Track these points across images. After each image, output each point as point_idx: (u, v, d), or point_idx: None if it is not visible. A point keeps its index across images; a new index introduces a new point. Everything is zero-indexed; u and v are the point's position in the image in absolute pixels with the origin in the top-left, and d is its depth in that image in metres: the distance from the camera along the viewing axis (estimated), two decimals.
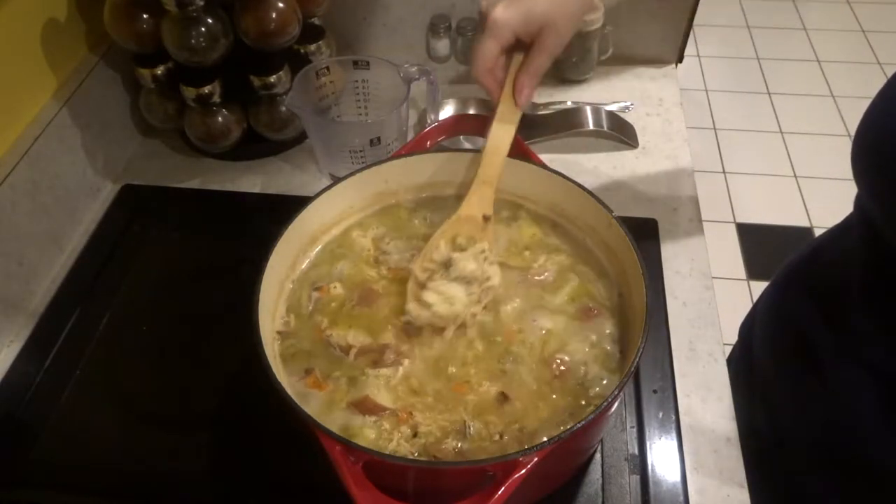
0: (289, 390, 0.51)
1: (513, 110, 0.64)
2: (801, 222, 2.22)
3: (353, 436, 0.54)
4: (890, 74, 0.57)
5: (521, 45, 0.62)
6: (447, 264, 0.61)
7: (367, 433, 0.54)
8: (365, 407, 0.56)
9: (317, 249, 0.68)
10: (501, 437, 0.54)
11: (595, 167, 0.93)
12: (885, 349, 0.60)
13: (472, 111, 0.98)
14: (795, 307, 0.73)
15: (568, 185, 0.66)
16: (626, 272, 0.61)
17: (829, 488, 0.67)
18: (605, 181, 0.91)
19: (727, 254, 2.14)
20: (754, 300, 0.87)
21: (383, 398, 0.56)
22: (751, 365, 0.79)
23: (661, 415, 0.67)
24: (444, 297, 0.59)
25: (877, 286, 0.61)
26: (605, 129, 0.95)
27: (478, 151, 0.67)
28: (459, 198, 0.72)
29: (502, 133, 0.65)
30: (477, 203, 0.65)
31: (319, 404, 0.56)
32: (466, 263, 0.61)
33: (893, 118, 0.53)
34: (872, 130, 0.56)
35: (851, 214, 0.67)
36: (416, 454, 0.53)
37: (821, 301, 0.68)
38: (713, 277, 0.80)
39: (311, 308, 0.63)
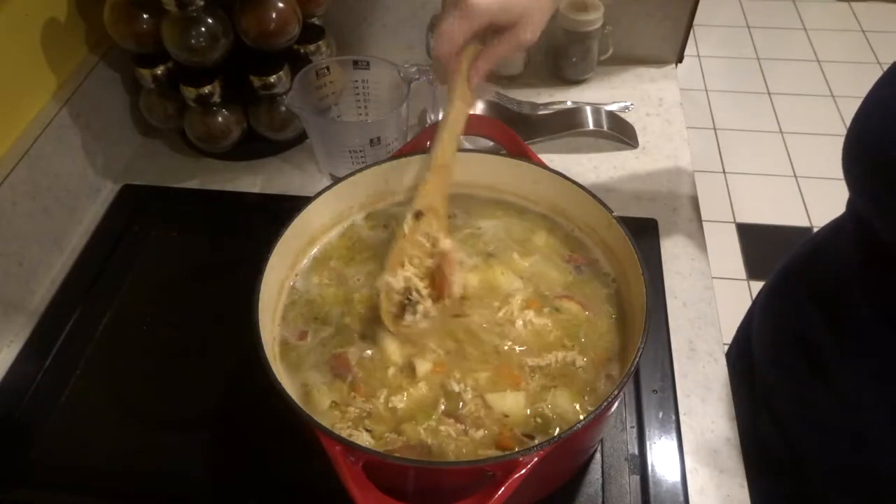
0: (288, 390, 0.52)
1: (467, 93, 0.63)
2: (801, 222, 2.22)
3: (309, 392, 0.56)
4: None
5: (487, 33, 0.61)
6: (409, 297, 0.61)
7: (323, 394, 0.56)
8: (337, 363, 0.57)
9: (316, 249, 0.68)
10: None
11: (595, 167, 0.93)
12: (889, 351, 0.59)
13: (471, 111, 0.98)
14: (795, 309, 0.72)
15: (568, 185, 0.66)
16: (626, 272, 0.61)
17: (836, 494, 0.67)
18: (605, 181, 0.91)
19: (727, 254, 2.14)
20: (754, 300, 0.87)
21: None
22: (751, 367, 0.79)
23: (661, 415, 0.67)
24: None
25: (877, 285, 0.61)
26: (605, 129, 0.95)
27: (479, 151, 0.67)
28: (460, 198, 0.72)
29: (459, 116, 0.64)
30: (435, 189, 0.63)
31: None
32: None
33: (883, 121, 0.53)
34: (863, 135, 0.56)
35: (844, 213, 0.67)
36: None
37: (821, 302, 0.68)
38: (713, 277, 0.80)
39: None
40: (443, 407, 0.56)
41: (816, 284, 0.71)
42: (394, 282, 0.60)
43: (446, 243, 0.62)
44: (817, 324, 0.67)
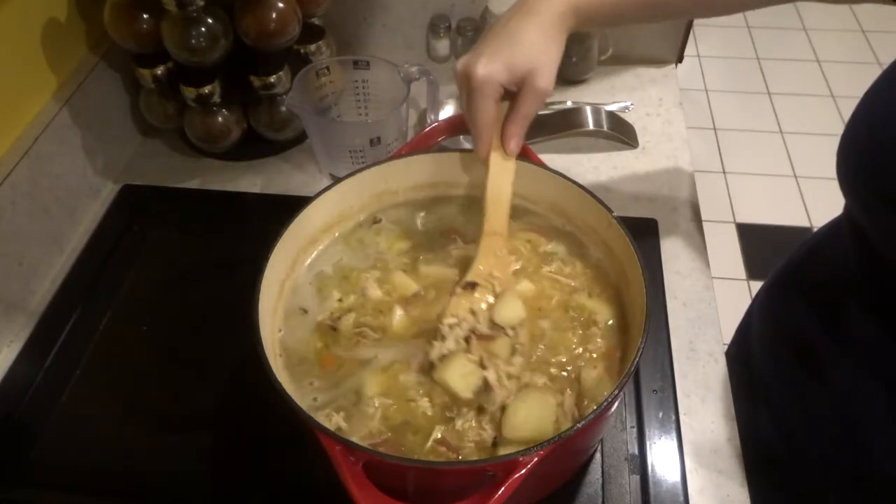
0: (288, 390, 0.52)
1: (505, 160, 0.64)
2: (801, 222, 2.22)
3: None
4: None
5: (507, 95, 0.62)
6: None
7: None
8: None
9: (317, 249, 0.68)
10: None
11: (595, 167, 0.93)
12: (888, 353, 0.59)
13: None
14: (792, 310, 0.72)
15: (568, 185, 0.66)
16: (626, 272, 0.61)
17: (836, 494, 0.67)
18: (605, 181, 0.91)
19: (727, 254, 2.14)
20: None
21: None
22: (749, 367, 0.79)
23: (661, 415, 0.67)
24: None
25: (873, 287, 0.61)
26: (605, 129, 0.95)
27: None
28: (460, 198, 0.72)
29: (502, 183, 0.64)
30: (488, 255, 0.62)
31: None
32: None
33: (874, 131, 0.53)
34: (854, 144, 0.56)
35: (842, 214, 0.67)
36: None
37: (818, 303, 0.68)
38: (713, 277, 0.80)
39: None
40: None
41: (814, 285, 0.71)
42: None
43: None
44: (815, 324, 0.67)
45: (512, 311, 0.60)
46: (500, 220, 0.64)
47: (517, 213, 0.71)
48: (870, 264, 0.60)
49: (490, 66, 0.59)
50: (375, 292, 0.64)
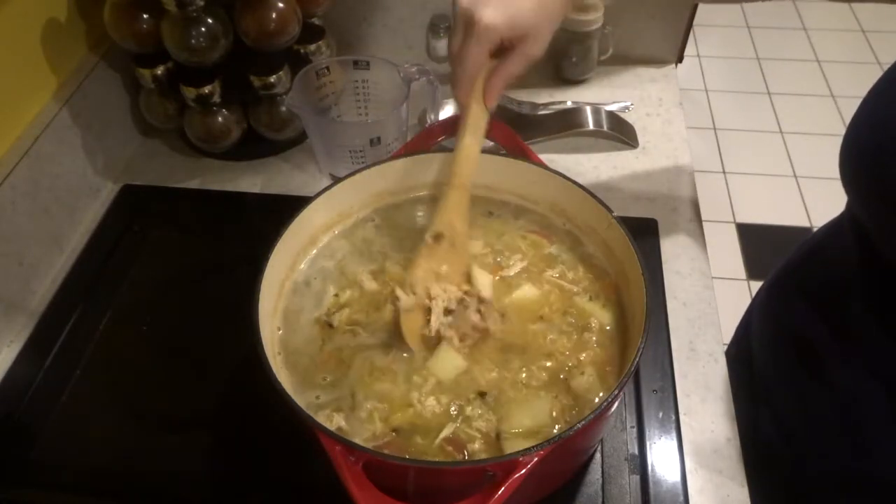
0: (288, 390, 0.52)
1: (483, 114, 0.63)
2: (801, 222, 2.22)
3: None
4: None
5: (500, 50, 0.61)
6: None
7: None
8: None
9: (316, 249, 0.68)
10: None
11: (595, 167, 0.93)
12: (888, 352, 0.59)
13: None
14: (793, 309, 0.72)
15: (568, 185, 0.66)
16: (626, 272, 0.61)
17: (836, 495, 0.67)
18: (605, 181, 0.91)
19: (727, 254, 2.14)
20: None
21: None
22: (750, 366, 0.79)
23: (661, 415, 0.67)
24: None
25: (874, 286, 0.61)
26: (605, 129, 0.95)
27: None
28: None
29: (475, 137, 0.64)
30: (454, 208, 0.63)
31: None
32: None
33: (877, 133, 0.53)
34: (857, 146, 0.56)
35: (843, 213, 0.67)
36: None
37: (819, 302, 0.68)
38: (713, 277, 0.80)
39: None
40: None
41: (814, 284, 0.71)
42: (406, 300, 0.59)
43: (482, 279, 0.62)
44: (815, 323, 0.67)
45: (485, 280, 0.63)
46: (468, 173, 0.64)
47: (518, 212, 0.71)
48: (871, 264, 0.60)
49: (496, 17, 0.57)
50: (371, 285, 0.65)
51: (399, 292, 0.59)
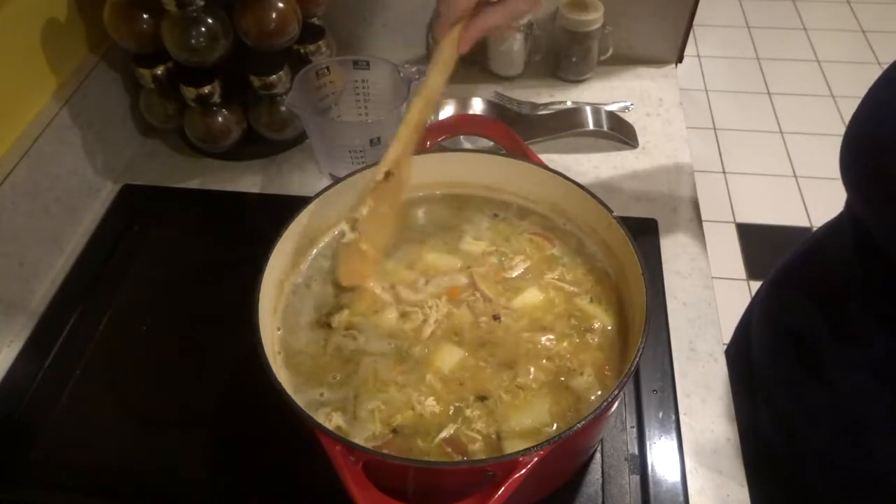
0: (288, 389, 0.52)
1: (453, 57, 0.62)
2: (801, 222, 2.22)
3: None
4: None
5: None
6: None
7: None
8: None
9: (316, 248, 0.68)
10: None
11: (595, 167, 0.93)
12: (888, 352, 0.59)
13: (472, 111, 0.98)
14: (793, 308, 0.72)
15: (568, 185, 0.66)
16: (626, 272, 0.61)
17: (837, 494, 0.67)
18: (605, 181, 0.91)
19: (727, 254, 2.14)
20: None
21: None
22: (749, 366, 0.79)
23: (661, 415, 0.67)
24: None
25: (874, 285, 0.61)
26: (605, 129, 0.95)
27: (479, 151, 0.67)
28: (459, 197, 0.72)
29: (442, 79, 0.63)
30: (404, 146, 0.63)
31: None
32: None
33: (880, 129, 0.53)
34: (859, 142, 0.55)
35: (843, 212, 0.67)
36: None
37: (819, 301, 0.68)
38: (713, 277, 0.80)
39: None
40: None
41: (814, 283, 0.71)
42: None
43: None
44: (815, 322, 0.67)
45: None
46: (426, 113, 0.63)
47: (522, 214, 0.71)
48: (871, 263, 0.60)
49: None
50: (370, 283, 0.65)
51: (344, 226, 0.61)
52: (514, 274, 0.66)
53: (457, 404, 0.57)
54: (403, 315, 0.63)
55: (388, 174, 0.62)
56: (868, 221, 0.57)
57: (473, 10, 0.60)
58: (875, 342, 0.60)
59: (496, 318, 0.62)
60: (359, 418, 0.56)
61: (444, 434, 0.55)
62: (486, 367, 0.59)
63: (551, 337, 0.61)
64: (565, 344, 0.61)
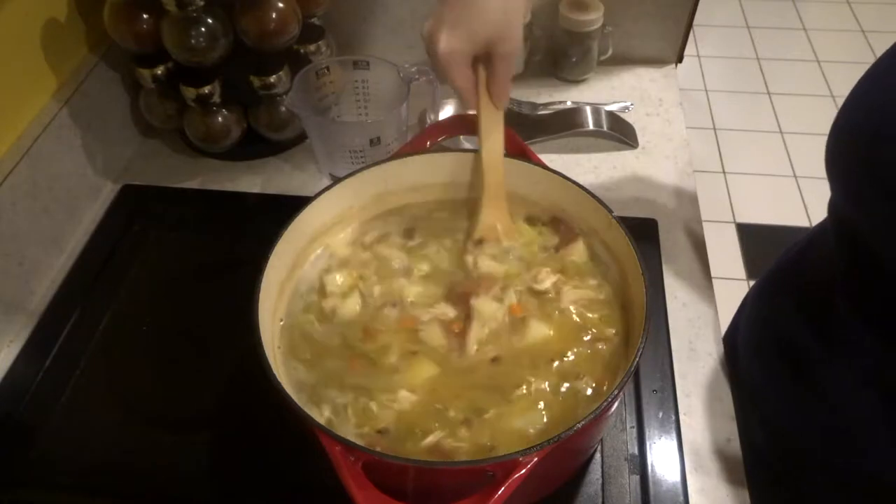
0: (288, 389, 0.52)
1: (494, 116, 0.64)
2: (801, 222, 2.22)
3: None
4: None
5: (480, 58, 0.62)
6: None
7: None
8: None
9: (317, 250, 0.68)
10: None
11: (595, 167, 0.93)
12: (877, 356, 0.59)
13: (472, 111, 0.98)
14: (780, 312, 0.72)
15: (568, 185, 0.66)
16: (626, 272, 0.61)
17: (832, 496, 0.67)
18: (605, 181, 0.91)
19: (727, 254, 2.14)
20: None
21: None
22: (736, 371, 0.79)
23: (661, 415, 0.67)
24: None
25: (859, 289, 0.60)
26: (605, 129, 0.95)
27: (478, 151, 0.67)
28: (460, 198, 0.72)
29: (495, 143, 0.65)
30: (493, 216, 0.66)
31: None
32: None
33: (867, 117, 0.51)
34: (846, 132, 0.54)
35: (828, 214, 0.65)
36: None
37: (805, 306, 0.67)
38: (713, 277, 0.80)
39: None
40: None
41: (801, 287, 0.70)
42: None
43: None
44: (801, 327, 0.66)
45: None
46: (497, 181, 0.66)
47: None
48: (854, 264, 0.59)
49: (451, 42, 0.58)
50: (375, 288, 0.65)
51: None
52: (543, 286, 0.64)
53: (445, 412, 0.56)
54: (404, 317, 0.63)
55: (479, 241, 0.66)
56: (856, 217, 0.56)
57: (477, 71, 0.62)
58: (859, 346, 0.60)
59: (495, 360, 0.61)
60: (346, 416, 0.56)
61: (429, 440, 0.54)
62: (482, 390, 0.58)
63: (561, 349, 0.60)
64: (573, 358, 0.60)
